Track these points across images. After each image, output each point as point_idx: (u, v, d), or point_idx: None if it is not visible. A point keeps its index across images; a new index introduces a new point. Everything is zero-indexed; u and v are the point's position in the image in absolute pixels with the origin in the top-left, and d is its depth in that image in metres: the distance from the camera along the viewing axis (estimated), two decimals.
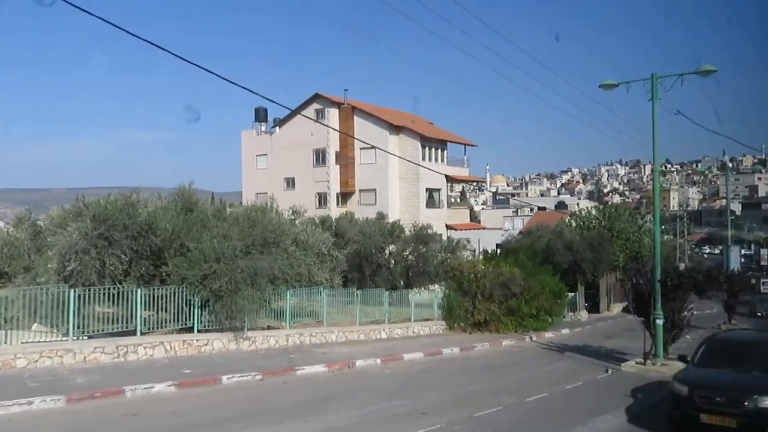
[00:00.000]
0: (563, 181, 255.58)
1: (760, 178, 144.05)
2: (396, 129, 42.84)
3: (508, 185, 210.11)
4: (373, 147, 41.04)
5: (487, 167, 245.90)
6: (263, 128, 47.74)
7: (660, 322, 17.19)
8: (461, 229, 45.38)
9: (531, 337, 23.04)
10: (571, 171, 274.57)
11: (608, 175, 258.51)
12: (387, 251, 31.80)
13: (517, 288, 23.11)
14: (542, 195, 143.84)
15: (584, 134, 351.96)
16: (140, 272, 14.64)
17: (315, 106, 44.52)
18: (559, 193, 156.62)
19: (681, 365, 17.46)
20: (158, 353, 13.80)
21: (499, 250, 35.18)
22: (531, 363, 17.92)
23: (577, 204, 68.99)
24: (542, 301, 24.24)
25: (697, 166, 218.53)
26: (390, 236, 31.16)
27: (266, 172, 47.03)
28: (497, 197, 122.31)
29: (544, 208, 77.69)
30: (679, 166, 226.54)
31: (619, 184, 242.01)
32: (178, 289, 14.40)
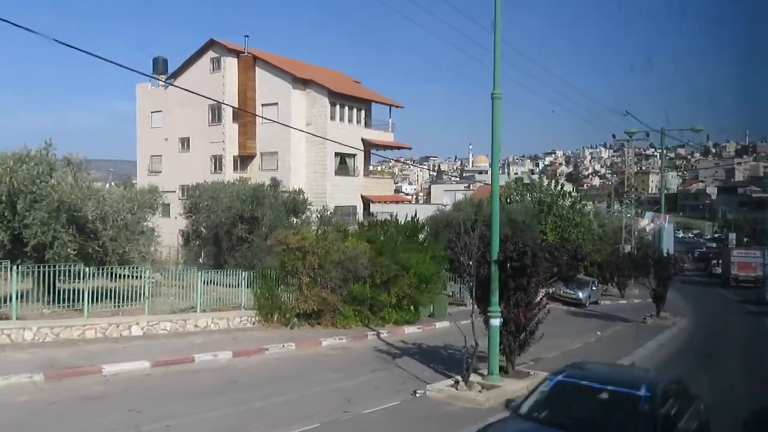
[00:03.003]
0: (546, 163, 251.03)
1: (739, 163, 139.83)
2: (302, 83, 36.86)
3: (491, 165, 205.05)
4: (272, 106, 34.94)
5: (470, 146, 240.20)
6: (161, 81, 41.48)
7: (496, 323, 11.77)
8: (381, 202, 39.70)
9: (379, 334, 17.55)
10: (555, 153, 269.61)
11: (591, 158, 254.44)
12: (261, 222, 26.24)
13: (362, 269, 17.54)
14: (516, 175, 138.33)
15: (570, 118, 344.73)
16: None
17: (211, 54, 38.36)
18: (532, 173, 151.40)
19: (517, 388, 12.09)
20: None
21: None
22: (321, 376, 12.44)
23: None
24: (404, 287, 18.72)
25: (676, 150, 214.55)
26: (252, 204, 25.51)
27: (161, 132, 40.96)
28: (463, 174, 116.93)
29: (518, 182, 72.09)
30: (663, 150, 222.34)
31: (601, 167, 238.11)
32: None
